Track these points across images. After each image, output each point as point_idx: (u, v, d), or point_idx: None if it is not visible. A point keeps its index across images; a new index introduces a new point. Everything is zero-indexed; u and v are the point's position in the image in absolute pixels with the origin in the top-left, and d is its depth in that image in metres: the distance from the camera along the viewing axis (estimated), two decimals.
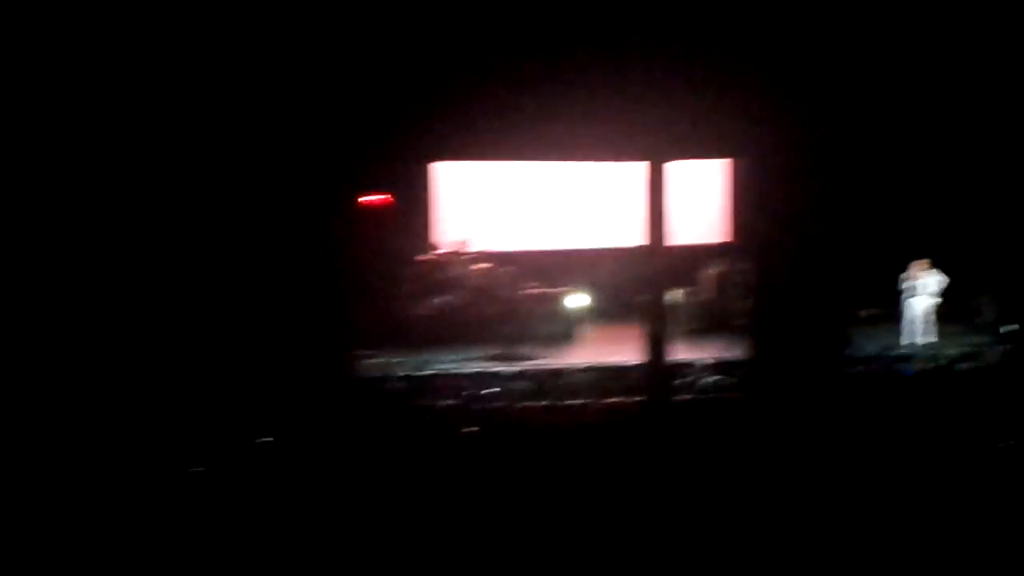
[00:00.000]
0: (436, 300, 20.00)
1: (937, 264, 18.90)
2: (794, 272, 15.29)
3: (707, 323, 20.45)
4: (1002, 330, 18.29)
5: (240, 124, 14.55)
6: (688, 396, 15.85)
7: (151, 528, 9.92)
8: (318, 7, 14.42)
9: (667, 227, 15.84)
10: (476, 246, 21.66)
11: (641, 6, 14.77)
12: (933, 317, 18.77)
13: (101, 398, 13.65)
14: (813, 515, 10.18)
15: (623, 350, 17.54)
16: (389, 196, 21.42)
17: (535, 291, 20.22)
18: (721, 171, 22.96)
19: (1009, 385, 14.91)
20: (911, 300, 18.84)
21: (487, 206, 22.69)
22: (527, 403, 15.73)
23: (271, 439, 12.85)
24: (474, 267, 20.71)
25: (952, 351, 17.55)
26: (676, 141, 15.25)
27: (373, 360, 17.06)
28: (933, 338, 18.59)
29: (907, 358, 17.48)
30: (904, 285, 18.94)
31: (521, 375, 16.67)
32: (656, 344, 15.36)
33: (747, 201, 19.75)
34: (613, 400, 15.67)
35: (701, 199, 22.90)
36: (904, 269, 18.95)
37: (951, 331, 19.09)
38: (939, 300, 18.79)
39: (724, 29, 14.84)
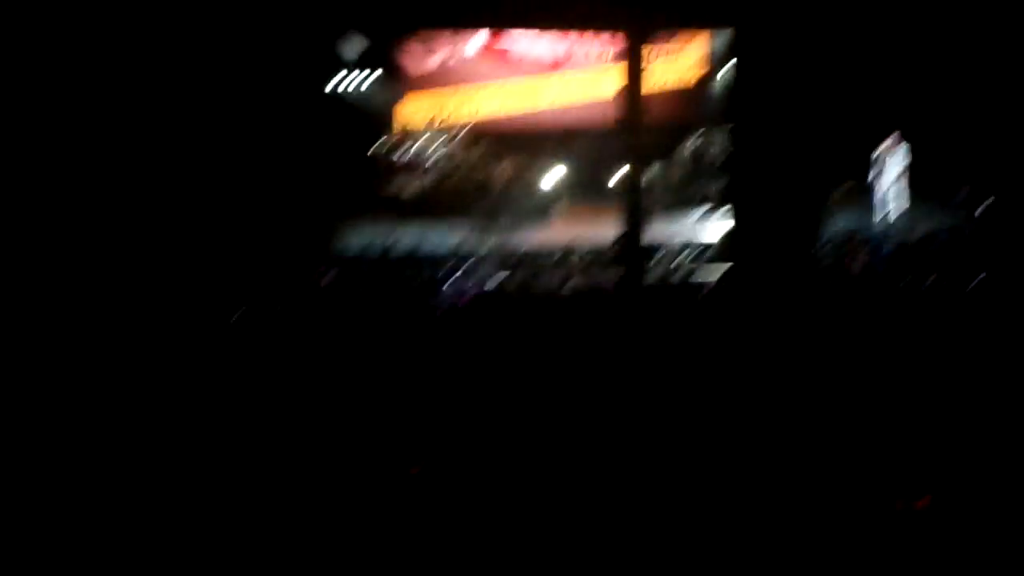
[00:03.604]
0: (413, 177, 19.92)
1: (912, 140, 18.81)
2: (768, 147, 15.19)
3: (682, 199, 20.37)
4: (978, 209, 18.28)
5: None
6: (662, 274, 15.77)
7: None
8: None
9: (645, 102, 15.71)
10: (453, 120, 21.52)
11: None
12: (905, 193, 18.74)
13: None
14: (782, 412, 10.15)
15: (599, 228, 17.48)
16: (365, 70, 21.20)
17: (511, 166, 20.08)
18: (698, 44, 22.74)
19: (978, 259, 14.87)
20: (885, 175, 18.78)
21: (461, 80, 22.48)
22: (502, 282, 15.65)
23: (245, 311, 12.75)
24: (451, 141, 20.58)
25: (924, 226, 17.42)
26: (655, 9, 15.04)
27: (345, 236, 17.00)
28: (903, 211, 18.60)
29: (881, 235, 17.43)
30: (879, 159, 18.86)
31: (493, 253, 16.58)
32: (632, 222, 15.29)
33: (724, 76, 19.64)
34: (589, 279, 15.59)
35: (678, 73, 22.74)
36: (879, 145, 18.87)
37: (927, 209, 19.07)
38: (907, 173, 18.76)
39: None
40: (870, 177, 18.90)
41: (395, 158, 20.38)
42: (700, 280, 15.06)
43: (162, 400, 9.51)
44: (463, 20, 17.28)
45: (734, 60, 16.50)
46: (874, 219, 18.71)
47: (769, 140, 15.15)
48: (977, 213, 18.05)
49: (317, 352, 11.26)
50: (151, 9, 13.97)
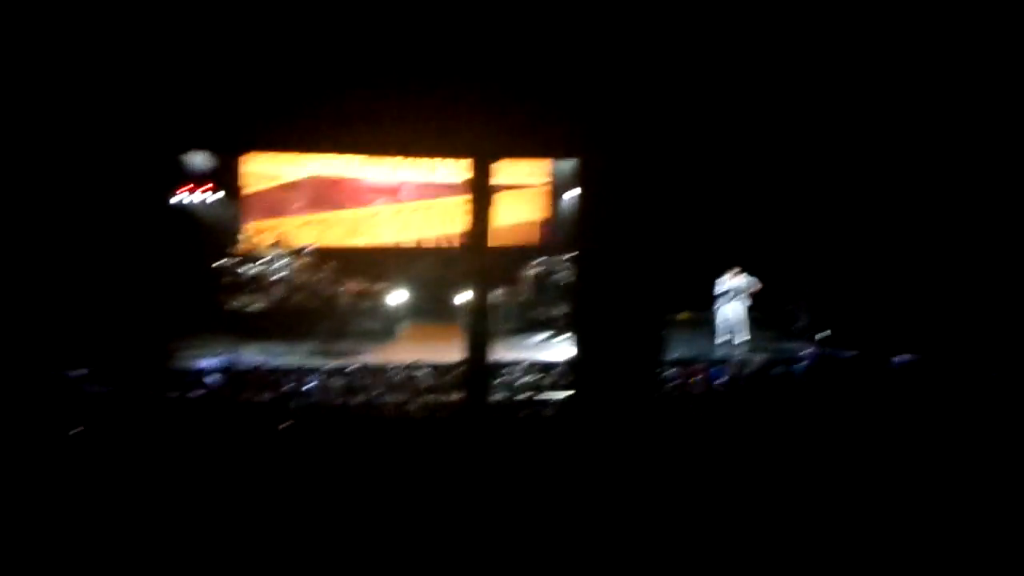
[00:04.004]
0: (257, 295, 19.82)
1: (753, 270, 19.38)
2: (612, 274, 15.42)
3: (526, 323, 20.62)
4: (817, 336, 18.84)
5: (45, 116, 14.04)
6: (506, 395, 15.86)
7: None
8: None
9: (490, 226, 15.91)
10: (296, 241, 21.56)
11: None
12: (746, 321, 19.25)
13: None
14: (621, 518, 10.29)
15: (442, 348, 17.58)
16: (208, 188, 21.13)
17: (355, 287, 20.12)
18: (542, 171, 23.21)
19: (818, 390, 15.32)
20: (725, 304, 19.30)
21: (307, 201, 22.55)
22: (345, 399, 15.57)
23: (82, 429, 12.46)
24: (294, 262, 20.56)
25: (765, 355, 17.91)
26: (501, 138, 15.25)
27: (191, 352, 16.78)
28: (746, 340, 19.07)
29: (720, 362, 17.83)
30: (719, 289, 19.37)
31: (339, 371, 16.52)
32: (477, 343, 15.38)
33: (567, 202, 20.00)
34: (432, 398, 15.60)
35: (522, 200, 23.15)
36: (720, 274, 19.39)
37: (765, 336, 19.62)
38: (750, 303, 19.30)
39: (549, 29, 14.85)
40: (715, 305, 19.41)
41: (239, 275, 20.25)
42: (544, 402, 15.20)
43: None
44: (306, 144, 17.34)
45: (578, 188, 16.81)
46: (715, 345, 19.16)
47: (612, 267, 15.41)
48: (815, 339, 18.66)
49: (152, 469, 11.06)
50: None
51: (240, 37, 14.22)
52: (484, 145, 15.15)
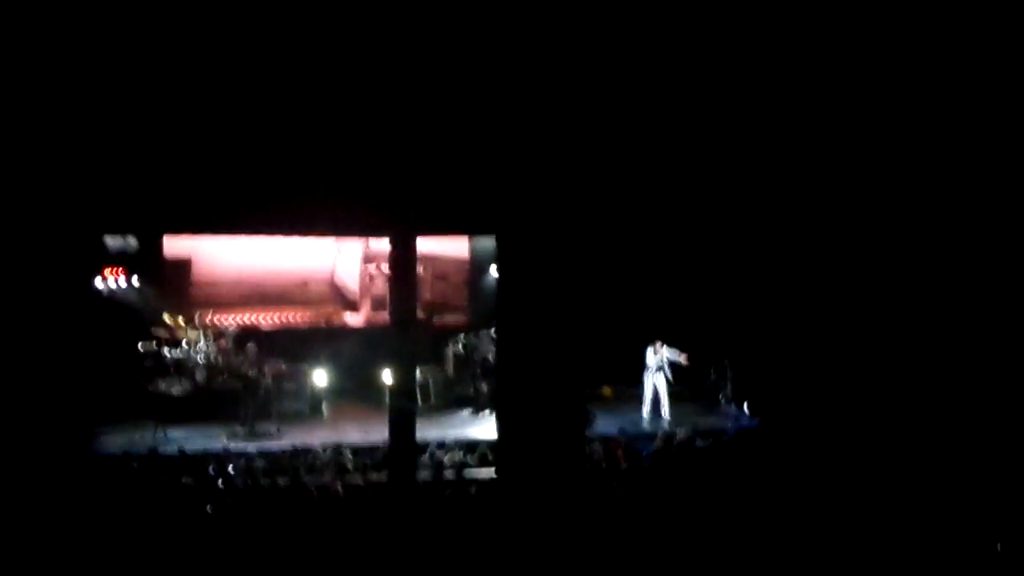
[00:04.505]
0: (179, 377, 19.72)
1: (678, 342, 19.62)
2: (532, 350, 15.52)
3: (450, 401, 20.69)
4: (742, 408, 19.08)
5: None
6: (432, 475, 15.88)
7: None
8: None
9: (414, 303, 16.03)
10: (217, 320, 21.50)
11: (385, 76, 14.78)
12: (668, 395, 19.45)
13: None
14: None
15: (367, 427, 17.62)
16: (124, 270, 21.00)
17: (277, 368, 20.07)
18: (463, 248, 23.40)
19: (743, 462, 15.52)
20: (650, 377, 19.48)
21: (225, 279, 22.51)
22: (271, 480, 15.51)
23: None
24: (215, 342, 20.49)
25: (689, 429, 18.07)
26: (419, 215, 15.35)
27: (111, 436, 16.65)
28: (667, 415, 19.27)
29: (647, 436, 17.96)
30: (645, 362, 19.56)
31: (263, 453, 16.48)
32: (401, 421, 15.42)
33: (489, 280, 20.15)
34: (359, 477, 15.59)
35: (444, 276, 23.32)
36: (644, 347, 19.60)
37: (689, 410, 19.86)
38: (672, 378, 19.52)
39: (467, 106, 15.01)
40: (644, 377, 19.59)
41: (161, 358, 20.15)
42: (470, 480, 15.25)
43: None
44: (220, 226, 17.26)
45: (497, 264, 16.92)
46: (642, 419, 19.35)
47: (532, 343, 15.51)
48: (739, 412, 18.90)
49: (74, 553, 11.02)
50: None
51: (162, 119, 14.26)
52: (402, 223, 15.27)
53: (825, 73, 14.90)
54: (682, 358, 19.52)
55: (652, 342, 19.60)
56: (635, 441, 17.26)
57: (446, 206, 15.30)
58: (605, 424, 18.13)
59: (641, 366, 19.65)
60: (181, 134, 14.35)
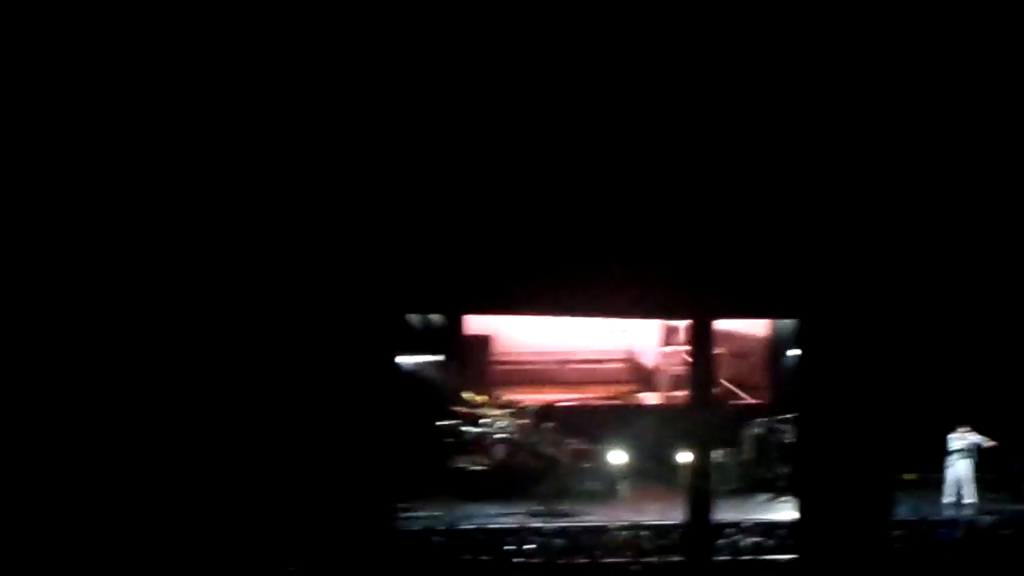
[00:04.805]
0: (478, 455, 20.09)
1: (982, 428, 18.85)
2: (836, 433, 15.20)
3: (748, 483, 20.37)
4: None
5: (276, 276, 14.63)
6: (729, 557, 15.66)
7: None
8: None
9: (710, 384, 15.92)
10: (516, 399, 21.86)
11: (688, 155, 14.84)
12: (973, 481, 18.66)
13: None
14: None
15: (662, 508, 17.49)
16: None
17: (575, 446, 20.22)
18: (764, 330, 23.11)
19: None
20: (955, 463, 18.76)
21: (524, 356, 22.88)
22: (566, 560, 15.59)
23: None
24: (515, 421, 20.80)
25: (994, 517, 17.29)
26: (718, 300, 15.30)
27: (413, 513, 17.04)
28: (973, 501, 18.47)
29: (950, 523, 17.29)
30: (949, 447, 18.86)
31: (561, 532, 16.55)
32: (698, 502, 15.28)
33: (789, 360, 19.82)
34: (653, 559, 15.50)
35: (743, 354, 23.08)
36: (948, 431, 18.90)
37: (994, 496, 18.96)
38: (977, 463, 18.74)
39: (767, 189, 14.93)
40: (945, 464, 18.89)
41: (461, 435, 20.59)
42: (769, 563, 14.96)
43: None
44: (526, 307, 17.56)
45: (798, 348, 16.66)
46: (944, 506, 18.61)
47: (834, 427, 15.19)
48: None
49: None
50: None
51: (464, 205, 14.70)
52: (702, 307, 15.22)
53: None
54: (989, 443, 18.70)
55: (958, 426, 18.86)
56: (938, 528, 16.62)
57: (746, 289, 15.20)
58: (908, 510, 17.48)
59: (945, 451, 18.92)
60: (484, 215, 14.76)
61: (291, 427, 14.55)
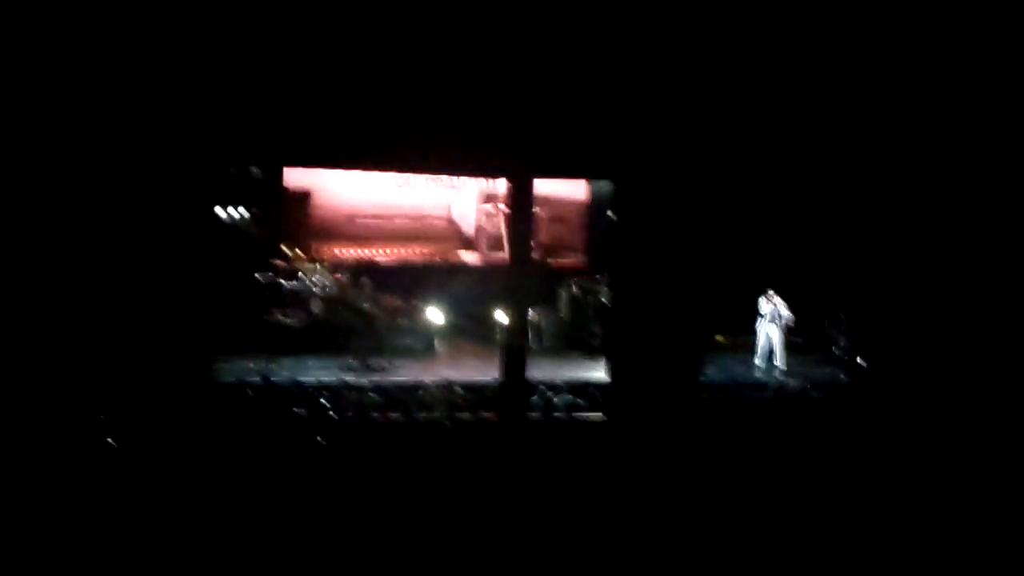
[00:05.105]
0: (294, 308, 19.95)
1: (793, 292, 19.33)
2: (650, 295, 15.44)
3: (563, 343, 20.63)
4: (858, 360, 18.72)
5: (97, 128, 14.17)
6: (542, 415, 15.87)
7: None
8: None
9: (529, 245, 16.00)
10: (334, 255, 21.72)
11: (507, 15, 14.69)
12: (783, 344, 19.17)
13: None
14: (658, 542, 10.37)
15: (478, 366, 17.64)
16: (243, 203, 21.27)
17: (392, 303, 20.19)
18: (583, 194, 23.26)
19: (857, 415, 15.29)
20: (766, 327, 19.22)
21: (344, 212, 22.66)
22: (380, 415, 15.62)
23: (116, 439, 12.64)
24: (331, 276, 20.68)
25: (804, 380, 17.88)
26: (538, 158, 15.28)
27: (228, 365, 16.88)
28: (782, 365, 18.99)
29: (759, 385, 17.78)
30: (760, 311, 19.30)
31: (376, 387, 16.57)
32: (513, 361, 15.45)
33: (604, 222, 20.01)
34: (468, 416, 15.64)
35: (562, 217, 23.22)
36: (759, 295, 19.32)
37: (805, 360, 19.57)
38: (791, 327, 19.24)
39: (591, 48, 14.88)
40: (756, 326, 19.33)
41: (279, 289, 20.39)
42: (581, 421, 15.22)
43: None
44: (344, 161, 17.33)
45: (613, 210, 16.77)
46: (755, 368, 19.18)
47: (647, 289, 15.42)
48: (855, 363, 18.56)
49: (192, 477, 11.21)
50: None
51: (286, 51, 14.37)
52: (522, 165, 15.22)
53: None
54: (786, 311, 19.19)
55: (766, 289, 19.30)
56: (748, 390, 17.09)
57: (565, 150, 15.23)
58: (718, 372, 17.95)
59: (755, 315, 19.38)
60: (305, 67, 14.45)
61: (108, 276, 14.24)
